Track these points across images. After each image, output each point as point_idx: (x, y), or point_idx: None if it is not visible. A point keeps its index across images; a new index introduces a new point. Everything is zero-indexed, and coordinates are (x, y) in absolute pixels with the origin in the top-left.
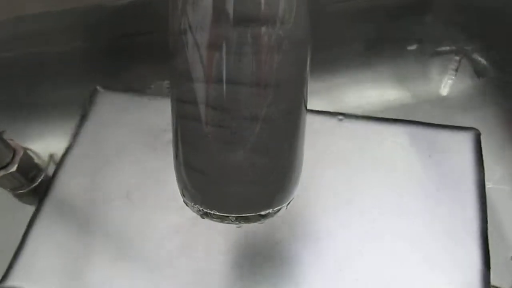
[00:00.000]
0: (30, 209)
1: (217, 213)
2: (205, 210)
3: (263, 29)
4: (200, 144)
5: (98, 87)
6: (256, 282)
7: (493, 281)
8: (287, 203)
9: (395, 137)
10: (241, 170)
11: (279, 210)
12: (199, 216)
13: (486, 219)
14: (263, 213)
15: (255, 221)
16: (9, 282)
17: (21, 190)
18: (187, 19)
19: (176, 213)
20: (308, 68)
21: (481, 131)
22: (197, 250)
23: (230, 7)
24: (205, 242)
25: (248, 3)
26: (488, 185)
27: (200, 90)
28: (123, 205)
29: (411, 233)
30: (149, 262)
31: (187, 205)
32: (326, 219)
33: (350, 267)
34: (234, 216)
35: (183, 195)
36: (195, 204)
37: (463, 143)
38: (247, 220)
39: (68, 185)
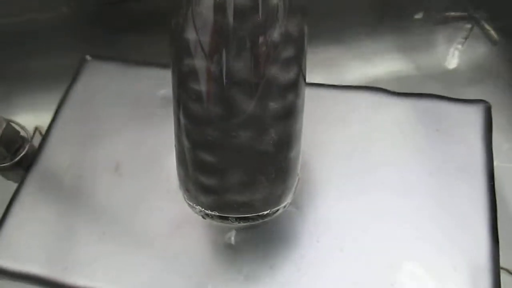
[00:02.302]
0: (13, 184)
1: (218, 214)
2: (206, 211)
3: (261, 25)
4: (202, 146)
5: (87, 56)
6: (252, 260)
7: (502, 263)
8: (286, 203)
9: (401, 110)
10: (241, 173)
11: (277, 210)
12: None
13: (495, 196)
14: (262, 213)
15: (254, 221)
16: None
17: (4, 163)
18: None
19: (166, 187)
20: (305, 62)
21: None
22: (187, 225)
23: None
24: (196, 216)
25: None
26: (495, 162)
27: (203, 88)
28: (112, 179)
29: (416, 211)
30: (137, 238)
31: (189, 206)
32: (326, 196)
33: (352, 247)
34: (234, 217)
35: (184, 197)
36: (196, 205)
37: (472, 116)
38: (247, 220)
39: (54, 158)
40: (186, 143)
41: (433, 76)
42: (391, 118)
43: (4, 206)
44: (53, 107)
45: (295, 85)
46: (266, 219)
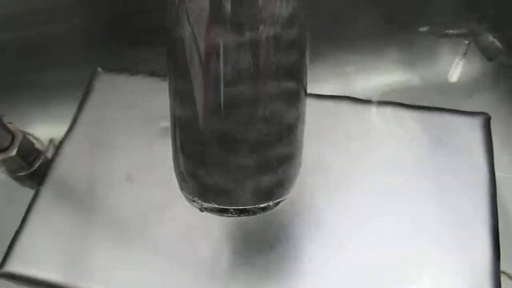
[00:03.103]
0: (30, 192)
1: (216, 206)
2: (204, 204)
3: (261, 26)
4: (198, 138)
5: (98, 69)
6: (258, 262)
7: (503, 267)
8: (287, 196)
9: (405, 121)
10: (240, 164)
11: (278, 203)
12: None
13: (496, 204)
14: (262, 205)
15: (254, 214)
16: (8, 267)
17: (21, 173)
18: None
19: (177, 196)
20: (307, 58)
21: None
22: (199, 234)
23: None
24: (207, 226)
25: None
26: (497, 173)
27: (198, 81)
28: (123, 188)
29: (420, 217)
30: (149, 245)
31: (186, 199)
32: (333, 202)
33: (356, 250)
34: (233, 209)
35: (181, 189)
36: (193, 197)
37: (473, 127)
38: (246, 213)
39: (67, 168)
40: (182, 132)
41: (436, 88)
42: (395, 128)
43: (21, 215)
44: (66, 119)
45: (298, 68)
46: (266, 211)
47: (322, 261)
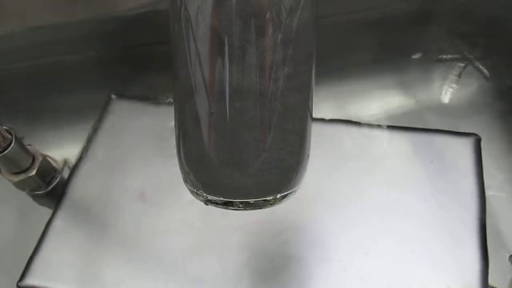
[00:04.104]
0: (47, 210)
1: (222, 199)
2: (209, 196)
3: (269, 20)
4: (203, 130)
5: (112, 95)
6: (262, 281)
7: (491, 282)
8: (294, 189)
9: (398, 143)
10: (245, 156)
11: (285, 196)
12: (210, 215)
13: (485, 221)
14: (269, 198)
15: (260, 207)
16: (27, 280)
17: (39, 191)
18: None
19: (188, 213)
20: (314, 55)
21: (482, 138)
22: (209, 250)
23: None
24: (217, 242)
25: None
26: (489, 192)
27: (202, 74)
28: (136, 207)
29: (413, 235)
30: (160, 261)
31: (191, 192)
32: (331, 221)
33: (354, 267)
34: (239, 202)
35: (185, 182)
36: (198, 190)
37: (464, 148)
38: (252, 206)
39: (83, 187)
40: (185, 125)
41: (430, 110)
42: (390, 150)
43: (39, 231)
44: (80, 141)
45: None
46: (274, 205)
47: (321, 277)
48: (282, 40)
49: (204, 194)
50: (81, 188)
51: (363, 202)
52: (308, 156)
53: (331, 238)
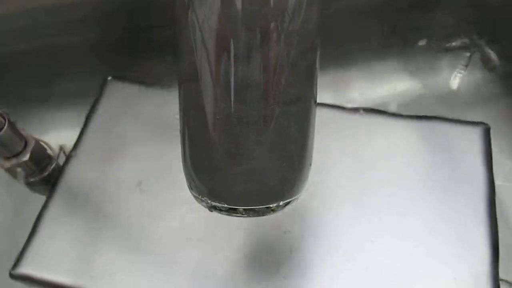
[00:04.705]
0: (41, 198)
1: (226, 206)
2: (213, 203)
3: (273, 24)
4: (208, 137)
5: (109, 77)
6: (265, 273)
7: (501, 275)
8: (297, 196)
9: (405, 131)
10: (249, 164)
11: (288, 203)
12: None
13: (495, 211)
14: (272, 205)
15: (264, 214)
16: (21, 269)
17: (33, 178)
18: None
19: (186, 204)
20: (317, 60)
21: (491, 126)
22: (207, 241)
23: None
24: (215, 233)
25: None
26: (497, 181)
27: (208, 83)
28: (134, 195)
29: (420, 225)
30: (157, 251)
31: (195, 198)
32: (336, 212)
33: (358, 259)
34: (243, 209)
35: (190, 188)
36: (202, 197)
37: (472, 137)
38: (256, 213)
39: (78, 174)
40: (190, 133)
41: (438, 98)
42: (397, 138)
43: (33, 219)
44: (77, 126)
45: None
46: (277, 211)
47: (325, 274)
48: (286, 41)
49: (209, 201)
50: (76, 174)
51: (368, 191)
52: (311, 164)
53: (334, 229)
